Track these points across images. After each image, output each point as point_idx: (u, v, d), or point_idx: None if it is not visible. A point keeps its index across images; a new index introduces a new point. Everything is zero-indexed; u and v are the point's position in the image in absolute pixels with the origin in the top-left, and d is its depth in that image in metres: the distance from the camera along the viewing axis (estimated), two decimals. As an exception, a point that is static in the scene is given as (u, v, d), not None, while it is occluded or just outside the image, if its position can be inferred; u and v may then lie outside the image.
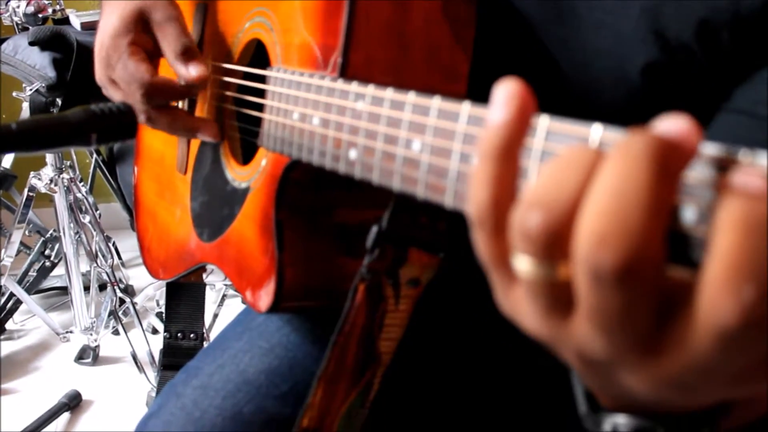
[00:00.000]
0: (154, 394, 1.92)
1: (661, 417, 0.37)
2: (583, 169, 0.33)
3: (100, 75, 0.80)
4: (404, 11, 0.62)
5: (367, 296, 0.66)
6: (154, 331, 2.25)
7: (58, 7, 1.75)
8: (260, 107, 0.73)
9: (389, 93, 0.52)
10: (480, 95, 0.65)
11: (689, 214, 0.32)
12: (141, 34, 0.78)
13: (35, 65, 1.44)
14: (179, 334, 1.32)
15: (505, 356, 0.75)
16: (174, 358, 1.33)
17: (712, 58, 0.58)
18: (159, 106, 0.78)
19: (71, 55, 1.42)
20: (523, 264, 0.35)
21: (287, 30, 0.70)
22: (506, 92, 0.36)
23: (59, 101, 1.48)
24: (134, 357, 2.00)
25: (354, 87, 0.56)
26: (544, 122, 0.38)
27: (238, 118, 0.82)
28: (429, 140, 0.47)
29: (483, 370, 0.77)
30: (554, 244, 0.33)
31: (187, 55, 0.77)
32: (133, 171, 1.16)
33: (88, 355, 2.17)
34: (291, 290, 0.70)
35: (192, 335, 1.32)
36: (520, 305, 0.37)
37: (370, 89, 0.54)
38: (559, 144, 0.37)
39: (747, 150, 0.31)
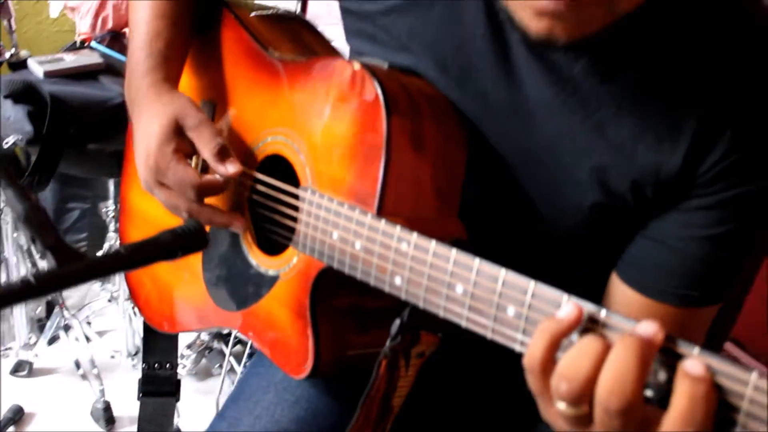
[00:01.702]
0: (100, 405, 2.05)
1: None
2: (594, 357, 0.56)
3: (148, 178, 0.95)
4: (421, 161, 0.83)
5: (388, 368, 0.87)
6: (87, 339, 2.35)
7: (13, 51, 1.80)
8: (279, 211, 0.91)
9: (433, 245, 0.72)
10: (469, 218, 0.86)
11: (662, 375, 0.56)
12: (181, 141, 0.93)
13: (9, 117, 1.51)
14: (156, 365, 1.48)
15: (483, 402, 0.99)
16: (152, 386, 1.49)
17: (638, 204, 0.82)
18: (202, 203, 0.94)
19: (43, 108, 1.50)
20: (560, 405, 0.58)
21: (319, 159, 0.88)
22: (572, 306, 0.59)
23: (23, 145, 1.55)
24: (78, 366, 2.11)
25: (398, 231, 0.76)
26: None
27: (256, 214, 0.99)
28: (470, 289, 0.69)
29: (467, 413, 1.01)
30: (577, 399, 0.56)
31: (223, 154, 0.91)
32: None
33: (24, 368, 2.26)
34: (325, 364, 0.90)
35: (168, 365, 1.49)
36: (556, 419, 0.60)
37: (414, 237, 0.74)
38: (577, 318, 0.60)
39: (696, 346, 0.54)
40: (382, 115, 0.79)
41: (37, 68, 1.66)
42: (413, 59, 0.87)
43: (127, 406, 2.04)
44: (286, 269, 0.94)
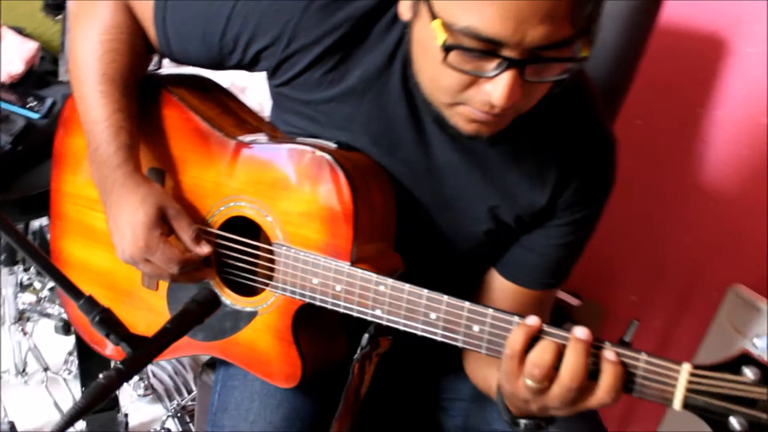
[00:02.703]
0: (5, 427, 2.12)
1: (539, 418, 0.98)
2: (553, 352, 0.90)
3: (134, 255, 1.14)
4: (374, 218, 1.11)
5: (359, 369, 1.16)
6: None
7: None
8: (251, 262, 1.16)
9: (407, 287, 1.02)
10: (400, 249, 1.16)
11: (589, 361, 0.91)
12: (165, 226, 1.15)
13: None
14: (93, 386, 1.65)
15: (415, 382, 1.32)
16: (92, 405, 1.66)
17: (518, 228, 1.17)
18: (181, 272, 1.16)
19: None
20: (528, 382, 0.91)
21: (289, 223, 1.12)
22: (535, 318, 0.92)
23: None
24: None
25: (375, 277, 1.04)
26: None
27: (220, 262, 1.22)
28: (443, 316, 0.99)
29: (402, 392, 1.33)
30: (543, 379, 0.90)
31: (199, 238, 1.16)
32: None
33: None
34: (309, 373, 1.18)
35: (103, 383, 1.66)
36: (521, 389, 0.93)
37: (390, 281, 1.03)
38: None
39: (606, 341, 0.89)
40: (347, 193, 1.06)
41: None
42: (351, 136, 1.14)
43: (28, 423, 2.13)
44: (263, 306, 1.19)
